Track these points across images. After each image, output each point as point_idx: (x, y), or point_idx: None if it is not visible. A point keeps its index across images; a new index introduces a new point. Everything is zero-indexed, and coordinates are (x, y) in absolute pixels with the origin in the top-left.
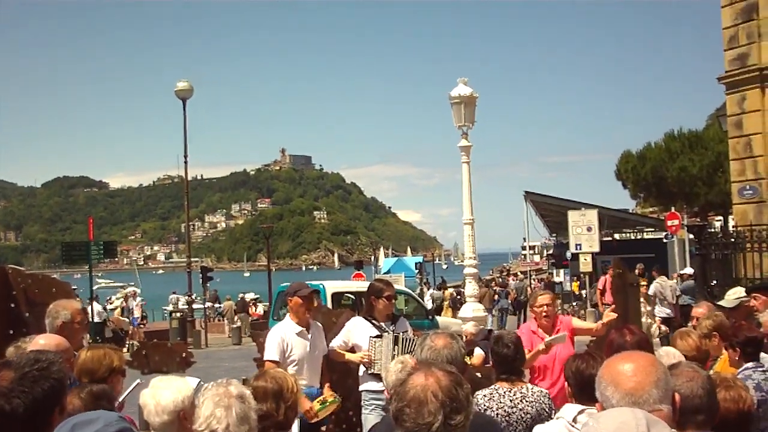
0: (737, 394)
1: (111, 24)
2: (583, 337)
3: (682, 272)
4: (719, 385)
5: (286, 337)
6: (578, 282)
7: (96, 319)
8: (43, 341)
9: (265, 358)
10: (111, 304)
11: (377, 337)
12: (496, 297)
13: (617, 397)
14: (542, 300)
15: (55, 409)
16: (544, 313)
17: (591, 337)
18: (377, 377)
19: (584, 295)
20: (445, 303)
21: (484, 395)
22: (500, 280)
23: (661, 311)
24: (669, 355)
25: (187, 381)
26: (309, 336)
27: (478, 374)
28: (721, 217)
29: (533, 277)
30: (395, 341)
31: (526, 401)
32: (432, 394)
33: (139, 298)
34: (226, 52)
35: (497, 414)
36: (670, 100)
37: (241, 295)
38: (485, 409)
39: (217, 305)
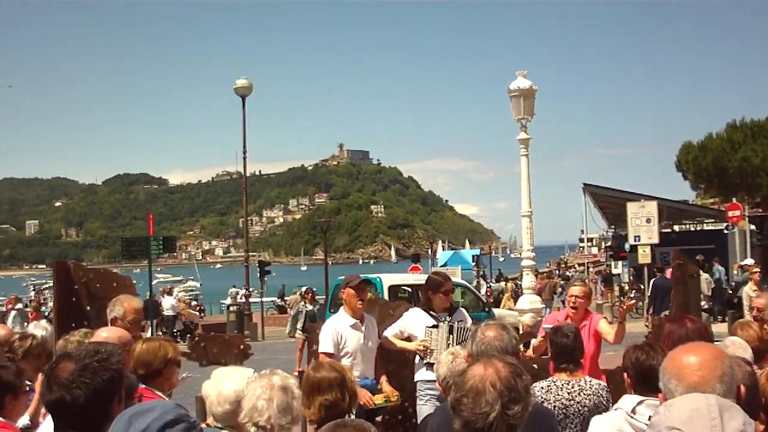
0: None
1: (169, 22)
2: (640, 329)
3: (742, 263)
4: None
5: (340, 329)
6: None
7: (170, 312)
8: (105, 333)
9: (320, 350)
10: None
11: (433, 326)
12: (560, 289)
13: (680, 391)
14: (573, 291)
15: (114, 399)
16: (572, 304)
17: (649, 328)
18: (432, 367)
19: (641, 287)
20: (506, 295)
21: (542, 387)
22: (557, 272)
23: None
24: (735, 344)
25: (248, 371)
26: (362, 328)
27: (535, 365)
28: None
29: (591, 269)
30: (450, 330)
31: (584, 394)
32: (490, 384)
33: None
34: (284, 48)
35: (554, 406)
36: (733, 89)
37: (304, 288)
38: (542, 401)
39: (285, 299)
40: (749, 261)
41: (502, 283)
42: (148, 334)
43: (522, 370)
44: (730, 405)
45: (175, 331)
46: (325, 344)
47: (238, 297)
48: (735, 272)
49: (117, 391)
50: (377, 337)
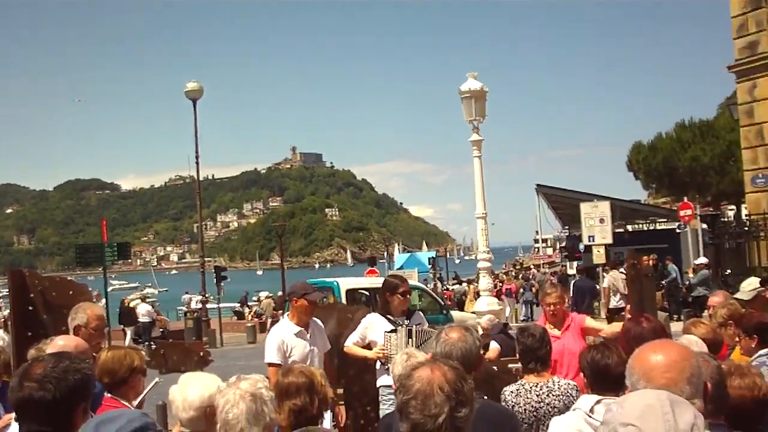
0: (752, 381)
1: (119, 25)
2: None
3: (696, 262)
4: (733, 373)
5: (285, 338)
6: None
7: (146, 319)
8: (62, 342)
9: (266, 361)
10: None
11: (392, 331)
12: (521, 290)
13: None
14: (549, 299)
15: (80, 402)
16: (551, 311)
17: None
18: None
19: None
20: (469, 297)
21: (511, 392)
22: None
23: (614, 302)
24: (691, 343)
25: (215, 378)
26: (308, 335)
27: (495, 367)
28: (734, 206)
29: (546, 270)
30: (409, 334)
31: (553, 395)
32: (438, 387)
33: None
34: (235, 52)
35: (525, 409)
36: (680, 89)
37: (279, 293)
38: (512, 405)
39: (249, 305)
40: (702, 260)
41: (464, 285)
42: (128, 341)
43: (465, 374)
44: (680, 400)
45: (152, 337)
46: (270, 354)
47: (192, 303)
48: (689, 273)
49: (85, 393)
50: (326, 342)
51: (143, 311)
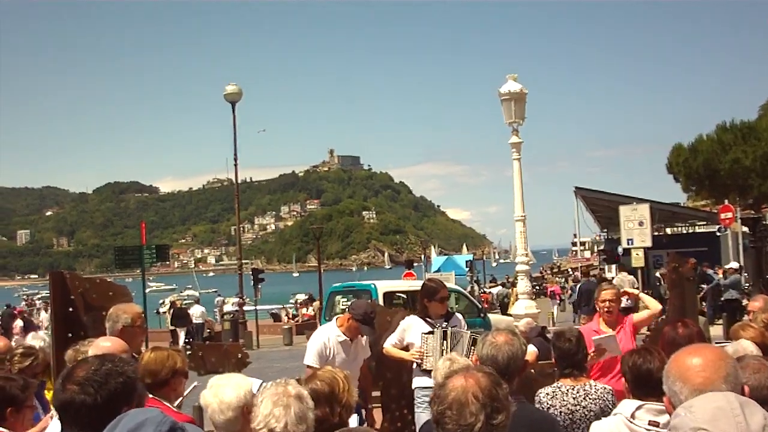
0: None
1: (159, 29)
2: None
3: (727, 267)
4: None
5: (329, 344)
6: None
7: (200, 321)
8: (108, 344)
9: (305, 362)
10: (164, 306)
11: (429, 333)
12: (569, 292)
13: (686, 393)
14: (605, 295)
15: (123, 406)
16: (606, 309)
17: (647, 331)
18: (429, 373)
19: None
20: (512, 299)
21: (547, 393)
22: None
23: (622, 301)
24: (746, 348)
25: (246, 377)
26: (351, 348)
27: (532, 371)
28: None
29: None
30: (444, 336)
31: (590, 398)
32: (472, 395)
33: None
34: (273, 54)
35: (560, 412)
36: (721, 91)
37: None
38: (548, 408)
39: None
40: (734, 264)
41: (506, 288)
42: (180, 343)
43: (500, 380)
44: (748, 401)
45: (203, 337)
46: (310, 357)
47: (225, 306)
48: (719, 275)
49: (128, 398)
50: (367, 351)
51: (197, 313)
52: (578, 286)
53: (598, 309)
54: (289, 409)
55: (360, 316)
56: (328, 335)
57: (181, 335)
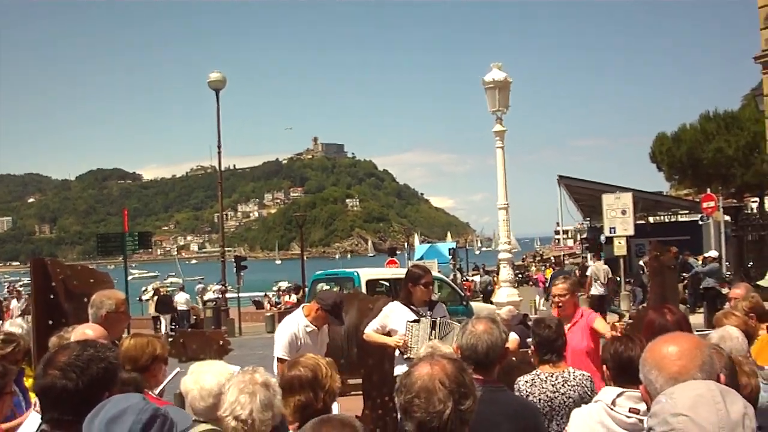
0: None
1: (142, 15)
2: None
3: (705, 255)
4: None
5: (299, 334)
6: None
7: (184, 307)
8: (90, 331)
9: (276, 355)
10: (146, 294)
11: (414, 321)
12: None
13: (661, 381)
14: (555, 290)
15: (104, 394)
16: (558, 303)
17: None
18: (412, 361)
19: (618, 279)
20: (497, 287)
21: (526, 381)
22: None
23: (596, 289)
24: (731, 336)
25: (226, 364)
26: (319, 335)
27: (514, 358)
28: (757, 199)
29: (567, 261)
30: (432, 326)
31: (568, 385)
32: (439, 382)
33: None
34: (257, 42)
35: (539, 399)
36: (705, 80)
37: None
38: (527, 395)
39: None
40: (713, 253)
41: (491, 276)
42: (163, 330)
43: (465, 366)
44: (728, 390)
45: (188, 323)
46: (280, 348)
47: (206, 294)
48: (698, 262)
49: (109, 383)
50: (326, 341)
51: (182, 300)
52: (551, 276)
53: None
54: (254, 396)
55: (328, 307)
56: (297, 325)
57: (164, 322)
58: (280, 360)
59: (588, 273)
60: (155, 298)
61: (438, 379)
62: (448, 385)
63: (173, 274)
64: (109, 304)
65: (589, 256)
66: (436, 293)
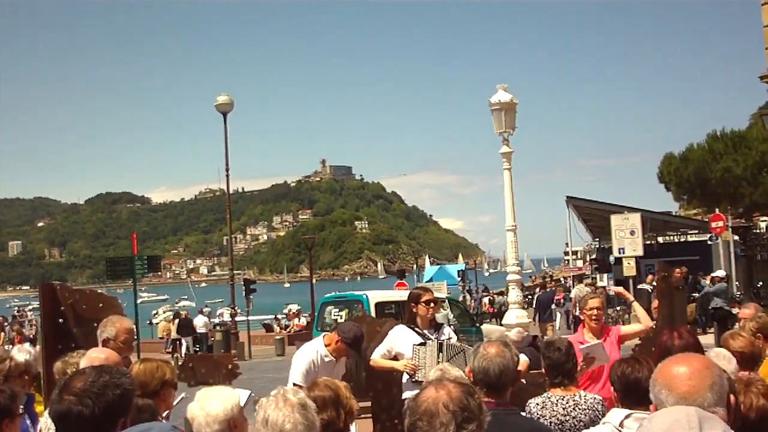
0: (748, 399)
1: (150, 40)
2: (630, 342)
3: (713, 275)
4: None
5: (316, 362)
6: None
7: (203, 330)
8: (96, 354)
9: (291, 380)
10: (156, 317)
11: (421, 344)
12: (562, 301)
13: (671, 401)
14: (592, 303)
15: (120, 419)
16: (594, 317)
17: (638, 340)
18: (421, 384)
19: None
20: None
21: (537, 404)
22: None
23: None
24: (719, 355)
25: (233, 390)
26: (336, 367)
27: (524, 380)
28: (766, 218)
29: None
30: (440, 348)
31: (579, 409)
32: (443, 405)
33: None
34: (265, 65)
35: (550, 422)
36: (712, 100)
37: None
38: (538, 418)
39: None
40: (721, 273)
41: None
42: (184, 351)
43: (473, 389)
44: (710, 416)
45: (207, 346)
46: (297, 375)
47: (211, 318)
48: (707, 282)
49: (124, 410)
50: (342, 369)
51: (200, 323)
52: (536, 297)
53: (583, 318)
54: (295, 415)
55: (349, 340)
56: (317, 354)
57: (185, 344)
58: (295, 386)
59: (572, 294)
60: (176, 321)
61: (442, 402)
62: (451, 408)
63: (185, 297)
64: (110, 330)
65: (571, 279)
66: (445, 311)
